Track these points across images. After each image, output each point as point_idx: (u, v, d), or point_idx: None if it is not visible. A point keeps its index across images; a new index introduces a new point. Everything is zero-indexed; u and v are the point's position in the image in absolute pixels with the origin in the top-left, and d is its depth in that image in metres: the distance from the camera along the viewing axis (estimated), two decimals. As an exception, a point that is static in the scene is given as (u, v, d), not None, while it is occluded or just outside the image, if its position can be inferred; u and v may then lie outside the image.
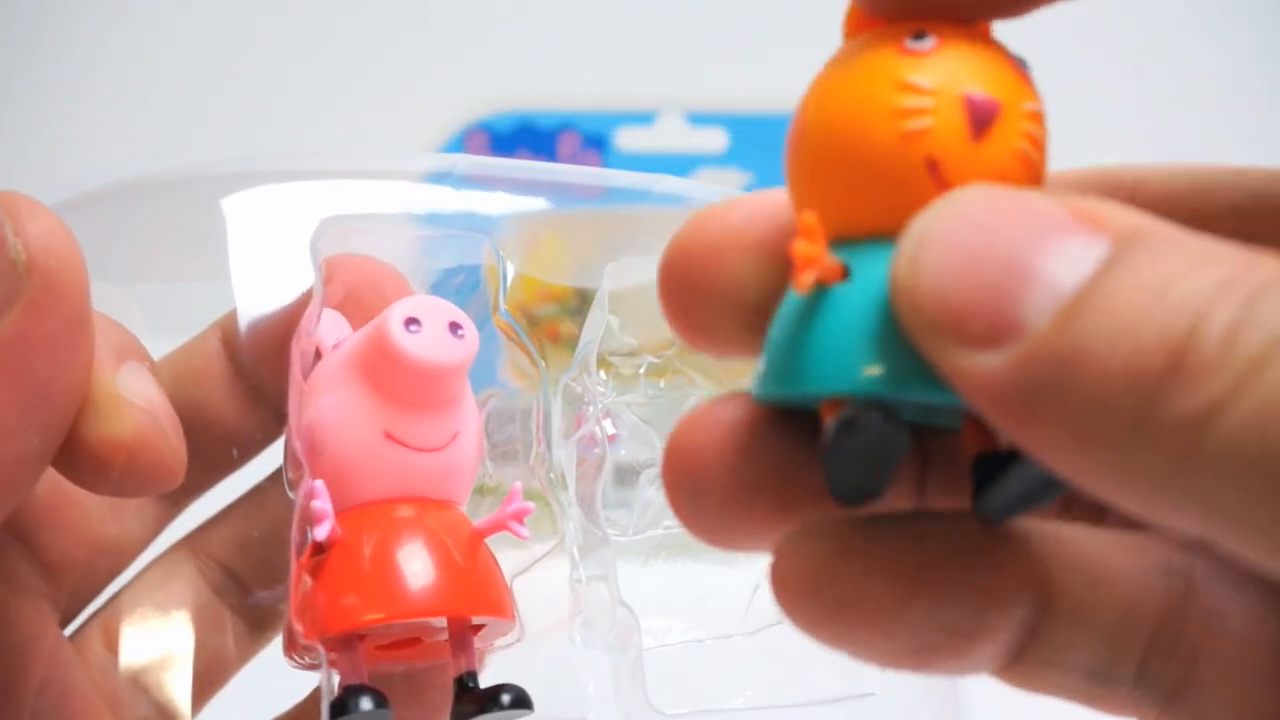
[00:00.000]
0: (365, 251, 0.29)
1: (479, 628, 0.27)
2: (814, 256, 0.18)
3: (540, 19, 0.89)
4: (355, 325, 0.28)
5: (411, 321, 0.26)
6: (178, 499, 0.29)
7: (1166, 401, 0.14)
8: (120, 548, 0.29)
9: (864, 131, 0.18)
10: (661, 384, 0.32)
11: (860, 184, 0.19)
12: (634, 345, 0.31)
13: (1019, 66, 0.19)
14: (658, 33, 0.90)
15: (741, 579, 0.30)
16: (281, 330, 0.28)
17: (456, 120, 0.61)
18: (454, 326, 0.26)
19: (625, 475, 0.32)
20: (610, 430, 0.31)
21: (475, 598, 0.26)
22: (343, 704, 0.25)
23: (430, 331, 0.26)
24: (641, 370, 0.31)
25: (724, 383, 0.31)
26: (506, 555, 0.28)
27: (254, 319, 0.28)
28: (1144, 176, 0.22)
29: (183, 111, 0.91)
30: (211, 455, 0.29)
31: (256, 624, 0.29)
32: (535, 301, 0.32)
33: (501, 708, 0.26)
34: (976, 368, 0.16)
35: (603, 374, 0.31)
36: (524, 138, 0.62)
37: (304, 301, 0.28)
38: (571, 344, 0.32)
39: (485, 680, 0.27)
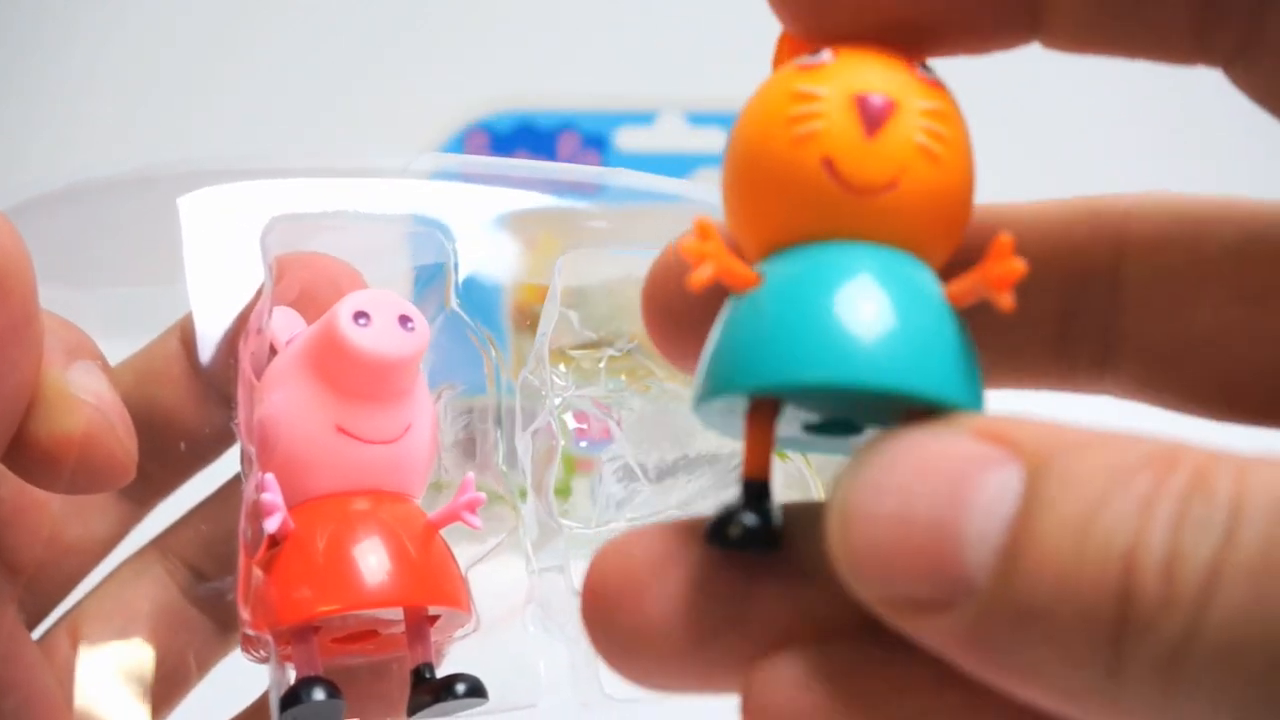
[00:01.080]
0: (317, 249, 0.29)
1: (435, 619, 0.27)
2: (704, 253, 0.19)
3: (540, 19, 0.89)
4: (311, 321, 0.28)
5: (360, 315, 0.26)
6: (143, 500, 0.30)
7: (1128, 649, 0.14)
8: (85, 549, 0.29)
9: (764, 143, 0.19)
10: (622, 378, 0.32)
11: (770, 195, 0.19)
12: (594, 338, 0.31)
13: (924, 74, 0.19)
14: (658, 33, 0.90)
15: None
16: (237, 329, 0.28)
17: (456, 120, 0.61)
18: (404, 319, 0.27)
19: (626, 473, 0.32)
20: (573, 425, 0.31)
21: (430, 589, 0.26)
22: (295, 695, 0.25)
23: (379, 325, 0.26)
24: (601, 364, 0.31)
25: (684, 379, 0.32)
26: (462, 546, 0.28)
27: (210, 319, 0.28)
28: (1133, 211, 0.22)
29: (182, 111, 0.91)
30: (174, 455, 0.29)
31: (225, 624, 0.30)
32: (536, 301, 0.32)
33: (456, 697, 0.26)
34: (938, 629, 0.16)
35: (563, 368, 0.31)
36: (524, 138, 0.62)
37: (256, 300, 0.28)
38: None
39: (441, 670, 0.27)
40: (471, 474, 0.28)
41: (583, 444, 0.32)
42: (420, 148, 0.61)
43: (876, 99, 0.19)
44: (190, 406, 0.29)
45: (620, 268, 0.31)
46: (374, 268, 0.29)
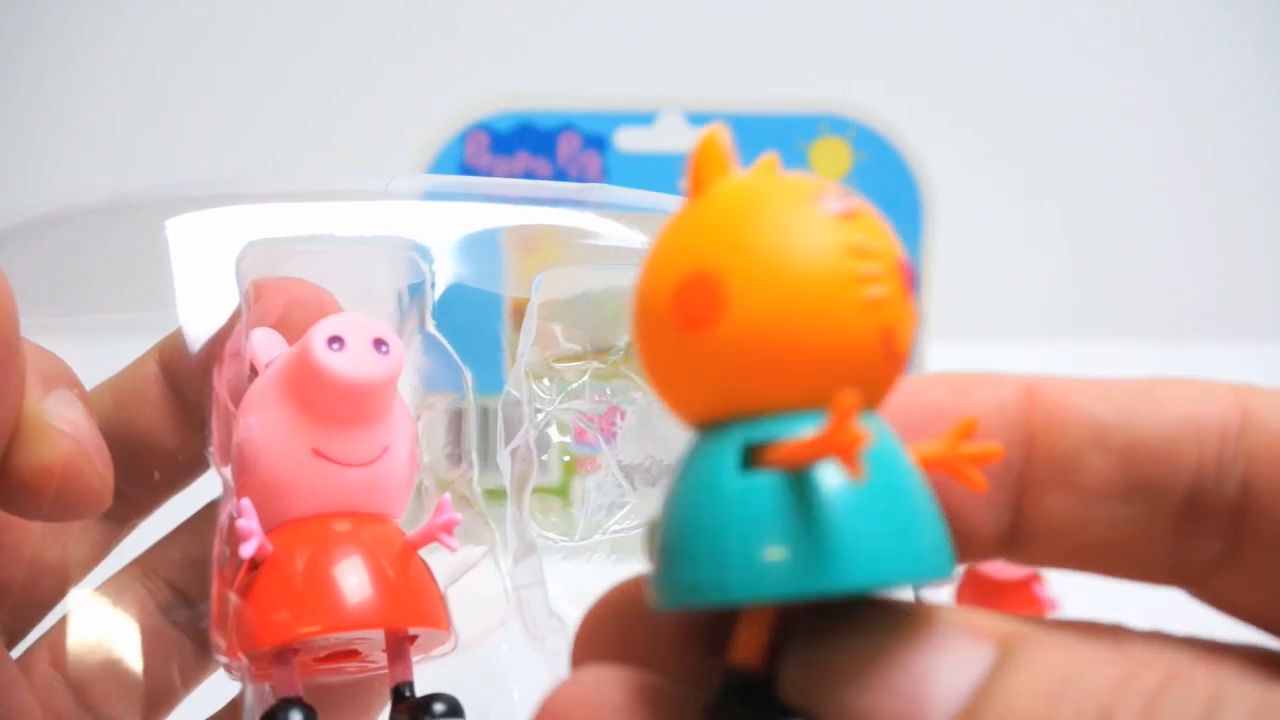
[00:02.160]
0: (294, 272, 0.29)
1: (414, 638, 0.28)
2: (863, 437, 0.16)
3: (540, 19, 0.89)
4: (291, 344, 0.28)
5: (334, 340, 0.26)
6: (122, 521, 0.30)
7: None
8: (64, 570, 0.29)
9: (824, 299, 0.17)
10: (607, 390, 0.32)
11: (817, 353, 0.17)
12: (577, 351, 0.32)
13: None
14: (658, 33, 0.90)
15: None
16: (212, 355, 0.28)
17: (456, 120, 0.61)
18: (378, 343, 0.27)
19: (611, 484, 0.32)
20: (558, 438, 0.31)
21: (409, 610, 0.27)
22: (271, 717, 0.25)
23: (354, 349, 0.26)
24: (585, 376, 0.32)
25: None
26: (440, 564, 0.28)
27: (190, 342, 0.28)
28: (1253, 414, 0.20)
29: (180, 110, 0.91)
30: (153, 477, 0.29)
31: (206, 644, 0.30)
32: (610, 337, 0.32)
33: (434, 716, 0.26)
34: None
35: (547, 381, 0.31)
36: (524, 138, 0.62)
37: (231, 325, 0.28)
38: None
39: (419, 687, 0.27)
40: (448, 494, 0.28)
41: (583, 446, 0.32)
42: (420, 148, 0.61)
43: (911, 265, 0.17)
44: (169, 429, 0.29)
45: (600, 282, 0.31)
46: (351, 290, 0.29)
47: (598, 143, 0.62)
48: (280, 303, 0.28)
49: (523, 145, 0.62)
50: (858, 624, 0.17)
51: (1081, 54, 0.92)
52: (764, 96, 0.63)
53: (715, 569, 0.17)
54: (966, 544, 0.20)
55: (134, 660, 0.29)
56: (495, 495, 0.31)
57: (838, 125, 0.62)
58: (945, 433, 0.18)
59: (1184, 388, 0.19)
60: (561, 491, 0.33)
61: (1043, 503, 0.20)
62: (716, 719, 0.18)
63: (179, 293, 0.28)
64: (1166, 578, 0.20)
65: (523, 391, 0.31)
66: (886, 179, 0.62)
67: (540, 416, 0.31)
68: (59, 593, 0.29)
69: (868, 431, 0.16)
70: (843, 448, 0.16)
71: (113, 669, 0.29)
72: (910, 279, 0.17)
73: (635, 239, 0.31)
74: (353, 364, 0.26)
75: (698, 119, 0.62)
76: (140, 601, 0.29)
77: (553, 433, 0.31)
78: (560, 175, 0.62)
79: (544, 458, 0.31)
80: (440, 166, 0.61)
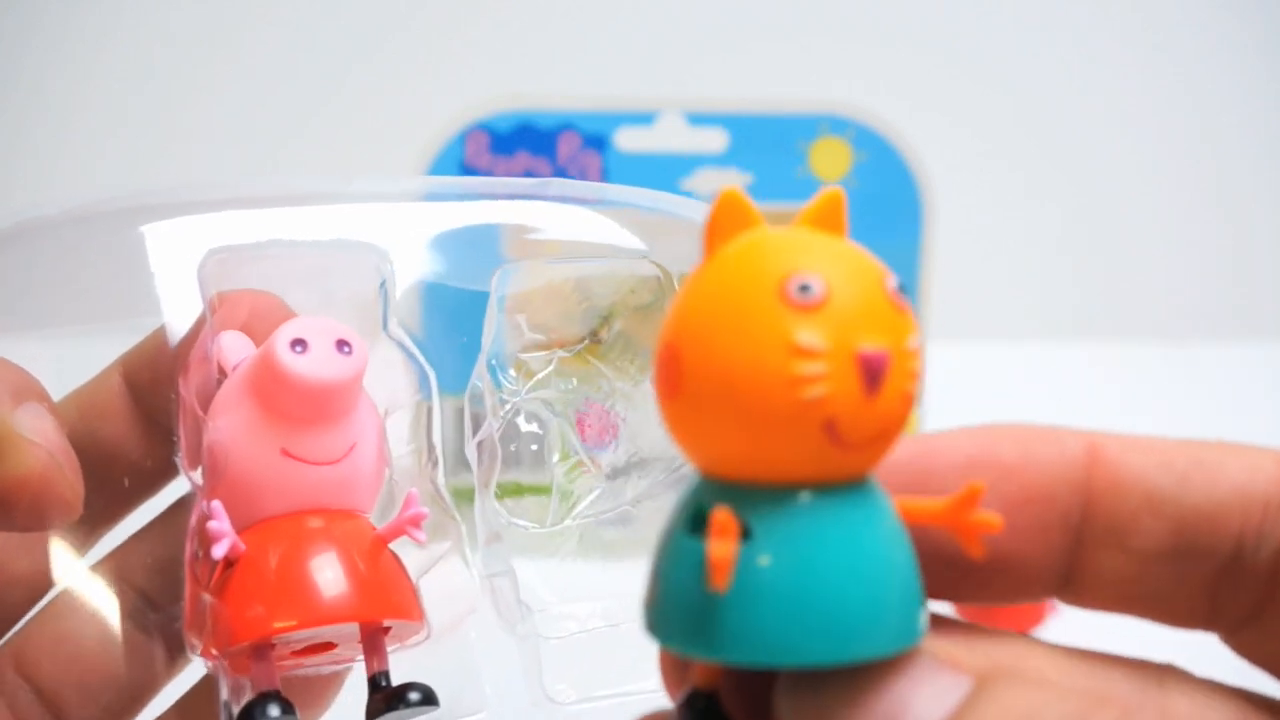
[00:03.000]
0: (256, 278, 0.30)
1: (388, 629, 0.28)
2: (727, 560, 0.18)
3: (540, 19, 0.89)
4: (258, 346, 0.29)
5: (298, 343, 0.27)
6: (88, 532, 0.30)
7: None
8: (33, 581, 0.30)
9: (760, 397, 0.18)
10: (573, 380, 0.32)
11: (756, 441, 0.18)
12: (543, 341, 0.32)
13: (895, 295, 0.19)
14: (658, 33, 0.90)
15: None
16: (177, 363, 0.29)
17: (456, 120, 0.61)
18: (341, 344, 0.27)
19: (624, 471, 0.32)
20: (525, 427, 0.32)
21: (382, 602, 0.27)
22: (249, 711, 0.26)
23: (317, 351, 0.27)
24: (551, 366, 0.32)
25: (633, 378, 0.32)
26: (410, 557, 0.29)
27: (156, 351, 0.29)
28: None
29: (180, 111, 0.90)
30: (119, 488, 0.30)
31: (175, 646, 0.30)
32: (574, 327, 0.33)
33: (409, 704, 0.27)
34: None
35: (513, 372, 0.32)
36: (524, 138, 0.62)
37: (195, 333, 0.29)
38: (613, 348, 0.33)
39: (394, 676, 0.28)
40: (415, 489, 0.28)
41: (587, 446, 0.32)
42: (420, 148, 0.61)
43: (877, 357, 0.18)
44: (133, 440, 0.30)
45: (561, 274, 0.32)
46: (312, 293, 0.30)
47: (598, 143, 0.62)
48: (242, 314, 0.29)
49: (523, 145, 0.62)
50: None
51: (1081, 54, 0.92)
52: (764, 96, 0.63)
53: (653, 610, 0.19)
54: (1023, 584, 0.21)
55: (101, 665, 0.29)
56: (507, 492, 0.32)
57: (838, 125, 0.62)
58: (954, 495, 0.19)
59: (1235, 456, 0.21)
60: (566, 494, 0.33)
61: (1097, 557, 0.21)
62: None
63: (154, 299, 0.29)
64: (1202, 625, 0.22)
65: (487, 384, 0.32)
66: (886, 179, 0.62)
67: (507, 408, 0.32)
68: (26, 604, 0.30)
69: (732, 552, 0.18)
70: (712, 561, 0.18)
71: (80, 675, 0.29)
72: (873, 370, 0.18)
73: (593, 231, 0.32)
74: (316, 366, 0.27)
75: (698, 119, 0.62)
76: (107, 605, 0.29)
77: (521, 423, 0.32)
78: (560, 175, 0.62)
79: (512, 448, 0.32)
80: (440, 166, 0.61)
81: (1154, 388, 0.81)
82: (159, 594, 0.30)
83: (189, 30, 0.90)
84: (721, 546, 0.18)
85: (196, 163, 0.90)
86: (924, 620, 0.19)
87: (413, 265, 0.31)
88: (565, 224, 0.32)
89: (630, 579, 0.31)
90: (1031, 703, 0.17)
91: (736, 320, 0.18)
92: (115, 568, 0.30)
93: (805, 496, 0.19)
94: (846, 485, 0.19)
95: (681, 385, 0.19)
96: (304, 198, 0.31)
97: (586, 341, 0.32)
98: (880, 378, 0.18)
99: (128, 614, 0.30)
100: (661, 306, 0.32)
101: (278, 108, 0.91)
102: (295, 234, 0.30)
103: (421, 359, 0.30)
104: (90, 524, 0.30)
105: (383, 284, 0.30)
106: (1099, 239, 0.95)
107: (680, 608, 0.19)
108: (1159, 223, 0.95)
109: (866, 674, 0.18)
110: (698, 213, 0.33)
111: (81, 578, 0.30)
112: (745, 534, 0.19)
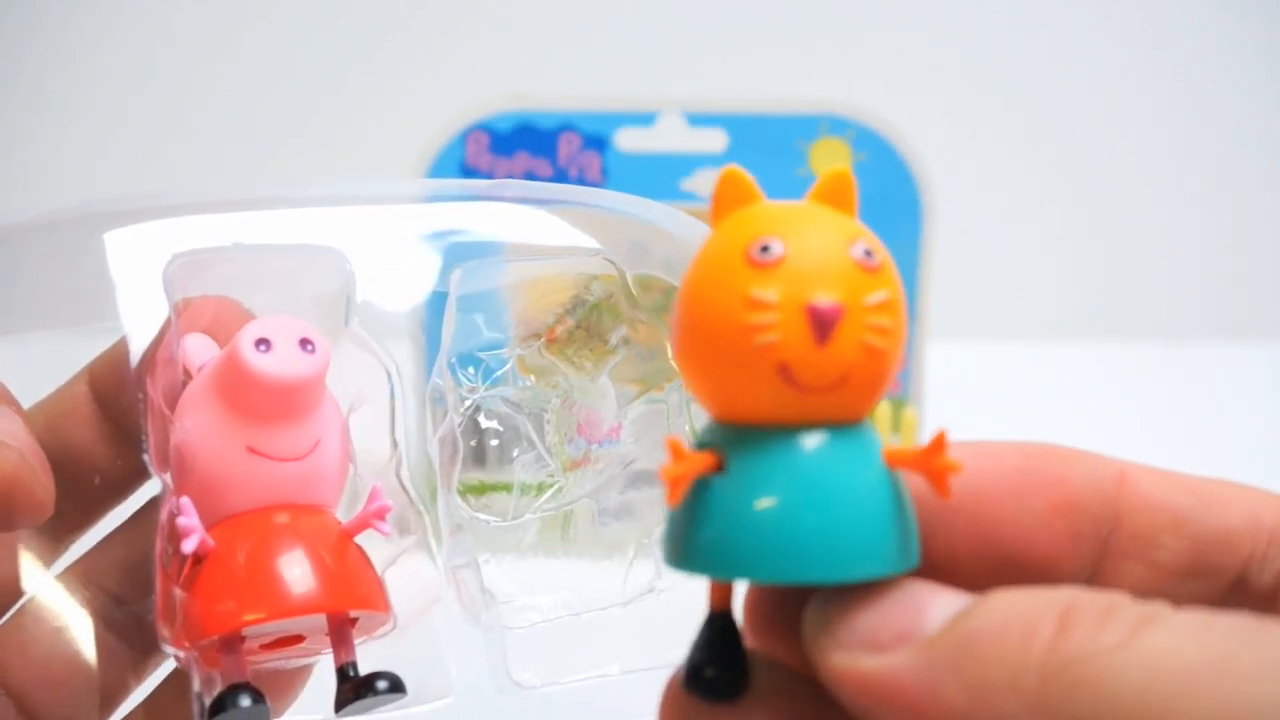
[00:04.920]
0: (220, 281, 0.30)
1: (355, 620, 0.29)
2: (678, 476, 0.21)
3: (540, 19, 0.89)
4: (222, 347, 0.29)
5: (261, 342, 0.28)
6: (58, 537, 0.31)
7: (1062, 648, 0.19)
8: (4, 586, 0.30)
9: (720, 344, 0.21)
10: (531, 378, 0.33)
11: (727, 384, 0.21)
12: (500, 340, 0.33)
13: (866, 260, 0.21)
14: (658, 33, 0.90)
15: (618, 558, 0.33)
16: (143, 365, 0.29)
17: (456, 120, 0.61)
18: (304, 343, 0.28)
19: (636, 481, 0.33)
20: (486, 423, 0.33)
21: (348, 594, 0.28)
22: (220, 702, 0.26)
23: (280, 350, 0.28)
24: (510, 364, 0.33)
25: (590, 373, 0.33)
26: (378, 550, 0.29)
27: (122, 357, 0.29)
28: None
29: (180, 111, 0.90)
30: (87, 495, 0.30)
31: (145, 649, 0.31)
32: (549, 330, 0.33)
33: (377, 693, 0.28)
34: (884, 665, 0.20)
35: (472, 369, 0.33)
36: (524, 138, 0.62)
37: (161, 336, 0.29)
38: (570, 344, 0.33)
39: (361, 666, 0.29)
40: (380, 483, 0.29)
41: (587, 444, 0.33)
42: (420, 148, 0.61)
43: (826, 308, 0.20)
44: (101, 446, 0.30)
45: (517, 274, 0.33)
46: (275, 295, 0.30)
47: (598, 143, 0.62)
48: (205, 318, 0.30)
49: (523, 145, 0.62)
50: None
51: (1082, 54, 0.92)
52: (764, 96, 0.63)
53: (668, 544, 0.22)
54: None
55: (73, 668, 0.29)
56: (471, 490, 0.32)
57: (838, 125, 0.62)
58: (928, 444, 0.21)
59: (1247, 494, 0.24)
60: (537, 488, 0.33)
61: (1120, 568, 0.24)
62: (697, 641, 0.23)
63: (118, 305, 0.29)
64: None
65: (447, 381, 0.32)
66: (886, 179, 0.62)
67: (467, 404, 0.32)
68: (1, 610, 0.30)
69: (689, 470, 0.21)
70: (662, 478, 0.21)
71: (51, 677, 0.29)
72: (821, 320, 0.20)
73: (548, 231, 0.33)
74: (280, 364, 0.27)
75: (698, 119, 0.62)
76: (77, 609, 0.30)
77: (481, 419, 0.33)
78: (560, 175, 0.62)
79: (473, 443, 0.32)
80: (440, 167, 0.61)
81: (1154, 388, 0.81)
82: (129, 595, 0.30)
83: (188, 31, 0.90)
84: (672, 468, 0.20)
85: (196, 163, 0.90)
86: (916, 551, 0.22)
87: (373, 268, 0.31)
88: (520, 225, 0.33)
89: (591, 571, 0.32)
90: (1028, 595, 0.20)
91: (710, 280, 0.21)
92: (85, 571, 0.30)
93: (780, 434, 0.21)
94: (830, 426, 0.21)
95: (677, 340, 0.22)
96: (265, 202, 0.31)
97: (543, 340, 0.33)
98: (829, 328, 0.20)
99: (98, 616, 0.30)
100: (616, 303, 0.33)
101: (278, 108, 0.91)
102: (257, 238, 0.31)
103: (384, 356, 0.31)
104: (60, 531, 0.30)
105: (343, 284, 0.31)
106: (1099, 239, 0.95)
107: (674, 536, 0.22)
108: (1159, 223, 0.95)
109: (882, 589, 0.21)
110: (653, 213, 0.33)
111: (52, 582, 0.30)
112: (721, 466, 0.21)
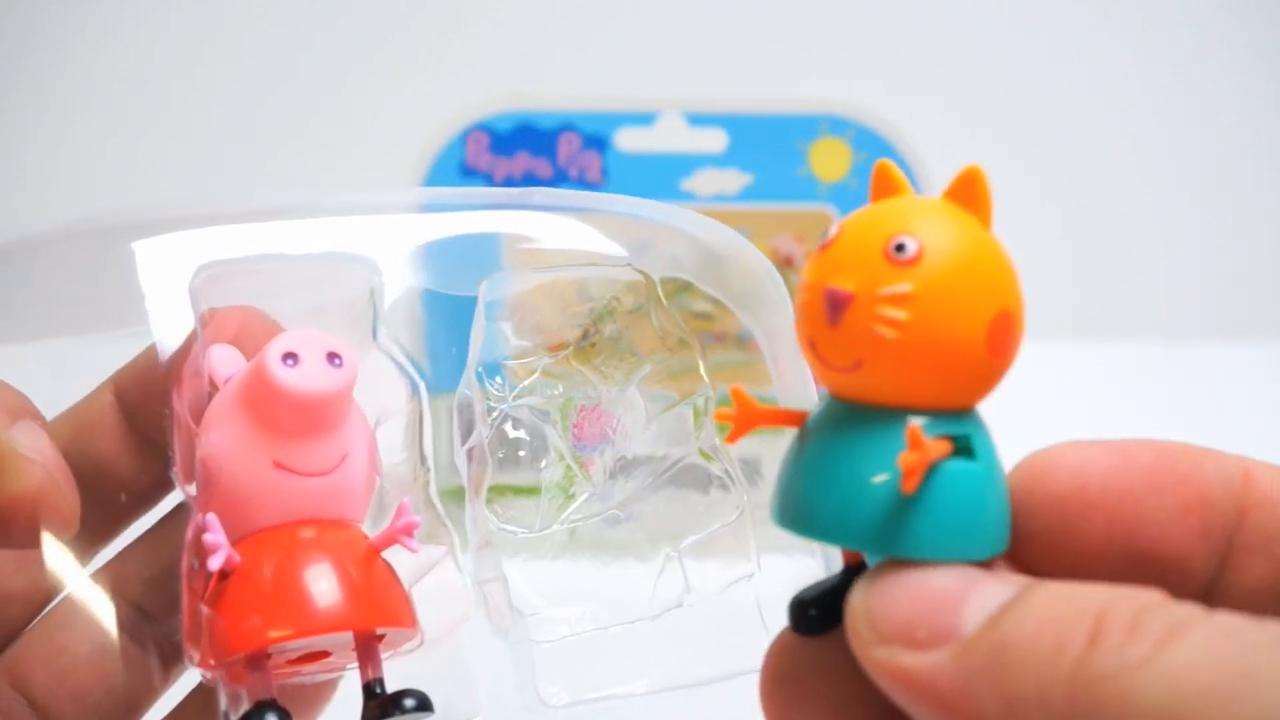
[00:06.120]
0: (246, 292, 0.30)
1: (383, 636, 0.28)
2: (730, 417, 0.24)
3: (540, 19, 0.89)
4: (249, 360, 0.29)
5: (289, 356, 0.27)
6: (84, 549, 0.30)
7: (1089, 664, 0.19)
8: (29, 597, 0.30)
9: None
10: (559, 386, 0.33)
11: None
12: (529, 348, 0.33)
13: (897, 256, 0.21)
14: (658, 33, 0.90)
15: (644, 568, 0.33)
16: (169, 378, 0.29)
17: (456, 120, 0.61)
18: (331, 356, 0.28)
19: (613, 474, 0.33)
20: (514, 434, 0.32)
21: (375, 611, 0.28)
22: None
23: (308, 364, 0.27)
24: (537, 373, 0.33)
25: (618, 383, 0.33)
26: (404, 564, 0.29)
27: (147, 369, 0.29)
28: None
29: (180, 112, 0.90)
30: (113, 505, 0.30)
31: (169, 657, 0.30)
32: (578, 340, 0.33)
33: (404, 711, 0.27)
34: (922, 664, 0.20)
35: (500, 379, 0.32)
36: (524, 138, 0.62)
37: (186, 349, 0.29)
38: (597, 354, 0.33)
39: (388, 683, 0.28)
40: (408, 498, 0.29)
41: (581, 447, 0.33)
42: (420, 148, 0.61)
43: (836, 293, 0.21)
44: (126, 457, 0.30)
45: (543, 284, 0.33)
46: (301, 306, 0.30)
47: (598, 143, 0.62)
48: (231, 329, 0.29)
49: (523, 145, 0.62)
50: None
51: (1082, 54, 0.92)
52: (764, 96, 0.63)
53: (787, 510, 0.23)
54: (1178, 585, 0.23)
55: (95, 678, 0.29)
56: (523, 491, 0.32)
57: (838, 125, 0.62)
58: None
59: None
60: (566, 491, 0.33)
61: (1245, 563, 0.24)
62: (824, 581, 0.24)
63: (144, 315, 0.29)
64: None
65: (475, 391, 0.32)
66: (886, 179, 0.62)
67: (494, 414, 0.32)
68: (23, 620, 0.30)
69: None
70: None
71: (74, 687, 0.29)
72: (832, 303, 0.21)
73: (578, 239, 0.33)
74: (307, 379, 0.27)
75: (698, 119, 0.62)
76: (101, 620, 0.30)
77: (509, 429, 0.32)
78: (560, 175, 0.62)
79: (500, 455, 0.32)
80: (440, 167, 0.61)
81: (1154, 388, 0.81)
82: (153, 606, 0.30)
83: (188, 32, 0.90)
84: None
85: (196, 164, 0.90)
86: (980, 544, 0.22)
87: (403, 276, 0.31)
88: (550, 233, 0.33)
89: (618, 582, 0.32)
90: (1064, 597, 0.20)
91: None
92: (109, 581, 0.30)
93: (841, 408, 0.23)
94: (885, 410, 0.22)
95: None
96: (291, 211, 0.31)
97: (573, 347, 0.33)
98: (838, 311, 0.21)
99: (122, 627, 0.30)
100: (645, 312, 0.33)
101: (278, 109, 0.91)
102: (283, 248, 0.31)
103: (411, 369, 0.31)
104: (86, 541, 0.30)
105: (371, 294, 0.31)
106: (1099, 239, 0.95)
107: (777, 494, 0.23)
108: (1159, 223, 0.95)
109: (924, 578, 0.21)
110: (677, 217, 0.33)
111: (75, 593, 0.30)
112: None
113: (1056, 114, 0.92)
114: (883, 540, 0.22)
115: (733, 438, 0.24)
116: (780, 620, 0.25)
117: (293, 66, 0.90)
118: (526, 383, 0.32)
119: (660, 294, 0.33)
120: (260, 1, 0.90)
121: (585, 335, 0.33)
